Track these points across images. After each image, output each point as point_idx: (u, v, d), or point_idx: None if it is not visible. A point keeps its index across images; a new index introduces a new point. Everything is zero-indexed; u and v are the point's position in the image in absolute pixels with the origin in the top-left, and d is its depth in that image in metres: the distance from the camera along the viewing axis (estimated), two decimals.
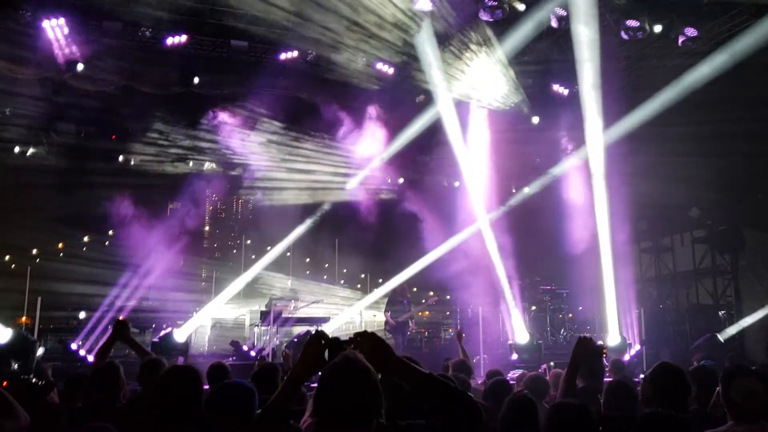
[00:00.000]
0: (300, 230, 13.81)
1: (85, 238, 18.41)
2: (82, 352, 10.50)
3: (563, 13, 12.21)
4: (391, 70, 12.83)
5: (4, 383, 8.29)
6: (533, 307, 13.70)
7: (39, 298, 10.59)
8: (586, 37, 11.08)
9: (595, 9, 10.91)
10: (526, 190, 14.54)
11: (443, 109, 12.56)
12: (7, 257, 16.85)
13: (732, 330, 10.88)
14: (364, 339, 2.41)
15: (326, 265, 18.89)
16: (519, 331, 11.03)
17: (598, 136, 11.62)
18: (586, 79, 11.45)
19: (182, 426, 3.12)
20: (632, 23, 12.11)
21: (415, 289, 15.45)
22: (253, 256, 17.19)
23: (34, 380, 7.65)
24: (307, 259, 19.92)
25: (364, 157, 14.37)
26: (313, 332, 2.50)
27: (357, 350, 2.39)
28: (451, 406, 2.34)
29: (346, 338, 2.48)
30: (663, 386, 3.55)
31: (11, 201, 13.67)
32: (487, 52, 12.27)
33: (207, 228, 18.23)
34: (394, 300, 12.38)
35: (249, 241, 20.33)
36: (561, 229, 12.83)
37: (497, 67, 12.71)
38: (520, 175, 14.74)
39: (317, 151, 14.28)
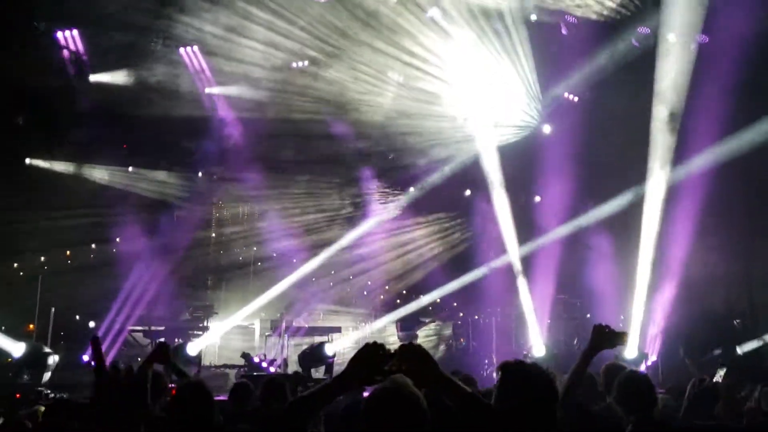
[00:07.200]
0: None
1: (93, 245, 18.31)
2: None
3: (573, 20, 12.24)
4: None
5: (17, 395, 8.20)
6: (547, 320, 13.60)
7: (53, 309, 10.49)
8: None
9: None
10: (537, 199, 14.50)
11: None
12: (15, 265, 16.77)
13: (753, 344, 10.54)
14: (408, 351, 2.35)
15: (332, 272, 18.76)
16: (536, 345, 10.93)
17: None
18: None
19: None
20: (643, 30, 12.11)
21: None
22: (259, 263, 17.12)
23: (47, 392, 7.58)
24: None
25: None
26: (370, 343, 2.36)
27: (401, 362, 2.31)
28: (493, 428, 2.31)
29: (391, 351, 2.39)
30: (625, 395, 3.48)
31: (25, 210, 13.57)
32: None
33: (213, 235, 18.08)
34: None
35: (255, 249, 20.25)
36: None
37: (512, 77, 12.71)
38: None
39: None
